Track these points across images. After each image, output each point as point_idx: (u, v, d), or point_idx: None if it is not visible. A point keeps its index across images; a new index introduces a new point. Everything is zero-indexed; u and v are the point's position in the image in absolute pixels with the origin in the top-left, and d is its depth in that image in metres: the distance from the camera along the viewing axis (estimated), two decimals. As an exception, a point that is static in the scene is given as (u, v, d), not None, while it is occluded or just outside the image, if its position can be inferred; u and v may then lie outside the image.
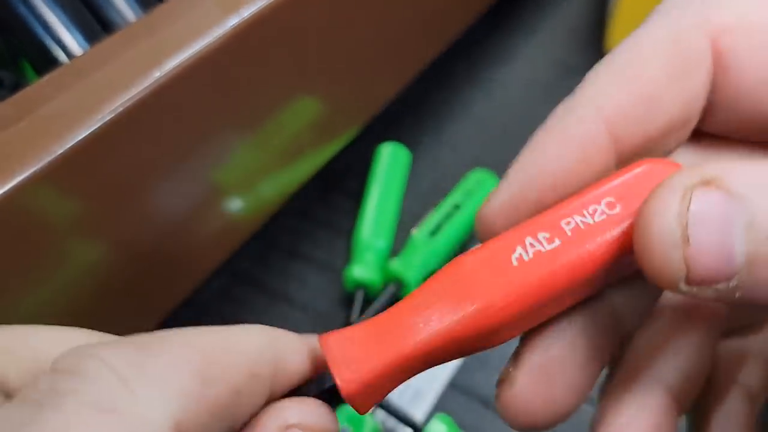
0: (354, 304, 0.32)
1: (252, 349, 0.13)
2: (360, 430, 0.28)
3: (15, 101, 0.20)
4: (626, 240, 0.13)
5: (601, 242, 0.13)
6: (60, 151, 0.19)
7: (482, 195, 0.36)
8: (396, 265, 0.32)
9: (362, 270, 0.32)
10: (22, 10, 0.24)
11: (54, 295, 0.21)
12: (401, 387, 0.31)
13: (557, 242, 0.14)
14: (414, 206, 0.38)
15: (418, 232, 0.34)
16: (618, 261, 0.14)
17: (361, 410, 0.14)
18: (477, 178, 0.37)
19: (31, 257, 0.20)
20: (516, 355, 0.15)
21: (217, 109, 0.24)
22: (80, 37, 0.25)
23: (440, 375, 0.31)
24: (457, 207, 0.35)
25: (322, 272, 0.36)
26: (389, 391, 0.14)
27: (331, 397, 0.14)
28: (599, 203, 0.14)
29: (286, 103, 0.28)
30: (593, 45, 0.49)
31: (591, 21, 0.52)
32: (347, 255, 0.36)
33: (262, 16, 0.23)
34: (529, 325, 0.15)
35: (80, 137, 0.19)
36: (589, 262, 0.13)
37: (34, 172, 0.18)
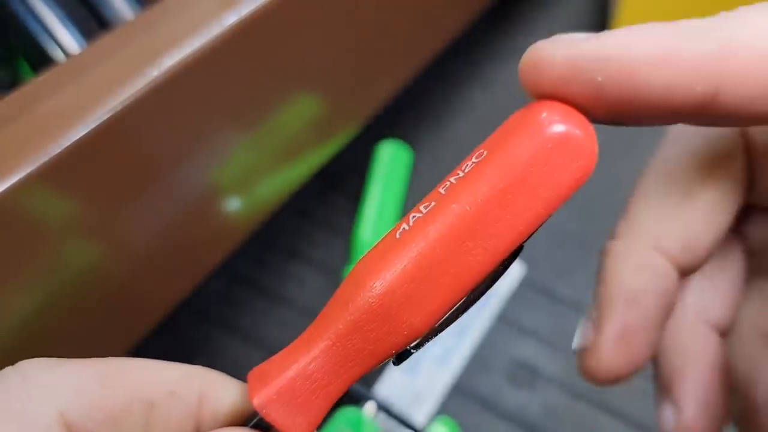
0: None
1: (176, 372, 0.14)
2: None
3: (11, 100, 0.20)
4: (498, 176, 0.13)
5: (470, 188, 0.13)
6: (56, 151, 0.19)
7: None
8: None
9: None
10: (19, 7, 0.24)
11: (50, 296, 0.21)
12: (403, 389, 0.31)
13: (432, 204, 0.13)
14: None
15: None
16: (500, 201, 0.13)
17: (292, 430, 0.14)
18: None
19: (27, 258, 0.20)
20: (597, 323, 0.15)
21: (215, 108, 0.24)
22: (77, 35, 0.25)
23: (441, 378, 0.31)
24: None
25: (321, 273, 0.36)
26: (320, 410, 0.14)
27: (266, 425, 0.14)
28: (470, 158, 0.14)
29: (284, 102, 0.27)
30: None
31: (593, 20, 0.52)
32: (346, 255, 0.36)
33: (261, 13, 0.23)
34: (440, 298, 0.13)
35: (77, 136, 0.19)
36: (464, 210, 0.13)
37: (31, 171, 0.18)
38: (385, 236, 0.14)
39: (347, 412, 0.29)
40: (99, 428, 0.13)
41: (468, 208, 0.13)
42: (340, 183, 0.40)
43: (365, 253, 0.14)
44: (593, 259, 0.38)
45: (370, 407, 0.30)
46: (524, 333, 0.33)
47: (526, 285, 0.35)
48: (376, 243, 0.14)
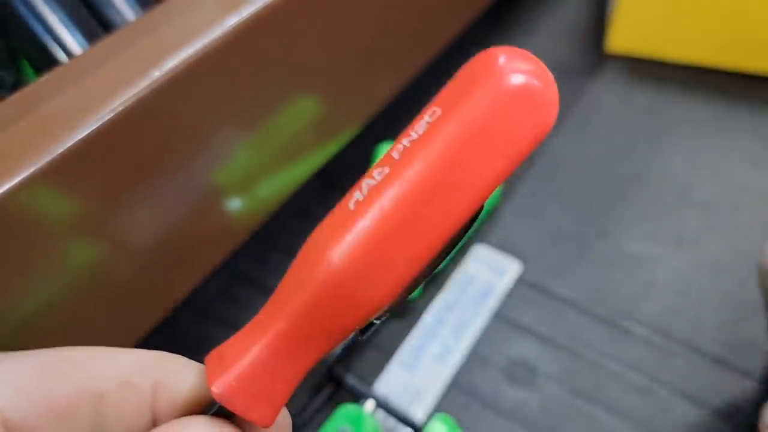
0: None
1: (128, 360, 0.13)
2: (360, 430, 0.28)
3: (14, 101, 0.20)
4: (454, 135, 0.12)
5: (425, 151, 0.12)
6: (59, 151, 0.19)
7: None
8: None
9: None
10: (22, 9, 0.24)
11: (52, 295, 0.21)
12: (402, 387, 0.31)
13: (386, 170, 0.12)
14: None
15: None
16: (459, 161, 0.12)
17: (254, 416, 0.13)
18: None
19: (29, 256, 0.20)
20: None
21: (217, 109, 0.24)
22: (80, 37, 0.25)
23: (441, 375, 0.32)
24: None
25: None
26: (282, 394, 0.13)
27: (227, 412, 0.13)
28: (423, 117, 0.13)
29: (285, 102, 0.28)
30: (592, 44, 0.49)
31: (590, 21, 0.52)
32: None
33: (262, 15, 0.24)
34: (399, 271, 0.13)
35: (79, 137, 0.19)
36: (421, 174, 0.12)
37: (34, 171, 0.18)
38: (337, 206, 0.13)
39: (347, 410, 0.29)
40: (43, 424, 0.12)
41: (424, 173, 0.12)
42: (341, 183, 0.40)
43: (318, 225, 0.13)
44: (590, 258, 0.39)
45: (369, 405, 0.30)
46: (522, 331, 0.33)
47: (523, 283, 0.35)
48: (327, 213, 0.13)
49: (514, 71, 0.12)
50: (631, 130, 0.43)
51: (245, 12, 0.23)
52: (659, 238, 0.37)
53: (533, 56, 0.13)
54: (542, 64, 0.13)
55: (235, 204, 0.28)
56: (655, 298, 0.34)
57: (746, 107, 0.44)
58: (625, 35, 0.47)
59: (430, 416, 0.30)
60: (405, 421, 0.29)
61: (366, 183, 0.13)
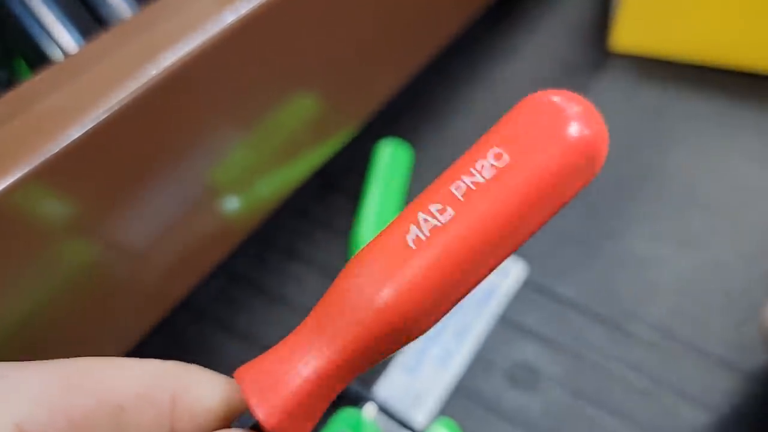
0: None
1: (147, 371, 0.13)
2: None
3: (9, 99, 0.20)
4: (527, 190, 0.13)
5: (497, 199, 0.13)
6: (54, 150, 0.19)
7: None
8: None
9: None
10: (17, 6, 0.24)
11: (46, 296, 0.21)
12: (403, 390, 0.31)
13: (451, 212, 0.13)
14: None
15: None
16: (525, 213, 0.13)
17: None
18: None
19: (24, 257, 0.20)
20: None
21: (214, 107, 0.24)
22: (75, 34, 0.25)
23: (442, 379, 0.31)
24: None
25: (320, 273, 0.35)
26: (320, 412, 0.14)
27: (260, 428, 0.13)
28: (485, 157, 0.13)
29: (283, 101, 0.27)
30: (596, 43, 0.49)
31: (594, 18, 0.51)
32: (346, 255, 0.36)
33: (259, 11, 0.23)
34: (450, 304, 0.13)
35: (75, 136, 0.19)
36: (491, 224, 0.13)
37: (28, 171, 0.18)
38: (389, 239, 0.13)
39: (347, 414, 0.29)
40: None
41: (494, 222, 0.13)
42: (340, 183, 0.40)
43: (366, 255, 0.13)
44: (594, 260, 0.39)
45: (370, 408, 0.30)
46: (525, 333, 0.33)
47: (527, 286, 0.35)
48: (376, 242, 0.13)
49: (582, 127, 0.13)
50: (635, 130, 0.43)
51: (242, 8, 0.23)
52: (664, 239, 0.36)
53: (592, 106, 0.13)
54: (599, 115, 0.13)
55: (232, 203, 0.28)
56: (659, 300, 0.34)
57: (751, 106, 0.44)
58: (629, 33, 0.47)
59: (432, 420, 0.29)
60: (406, 425, 0.29)
61: (426, 220, 0.13)
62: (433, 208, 0.13)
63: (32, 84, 0.20)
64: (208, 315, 0.34)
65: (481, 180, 0.13)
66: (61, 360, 0.13)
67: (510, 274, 0.35)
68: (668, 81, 0.46)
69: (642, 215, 0.38)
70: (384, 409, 0.30)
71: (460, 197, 0.13)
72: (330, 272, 0.35)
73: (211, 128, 0.24)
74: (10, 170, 0.18)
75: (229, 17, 0.22)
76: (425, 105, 0.44)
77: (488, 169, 0.13)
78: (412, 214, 0.13)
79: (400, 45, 0.35)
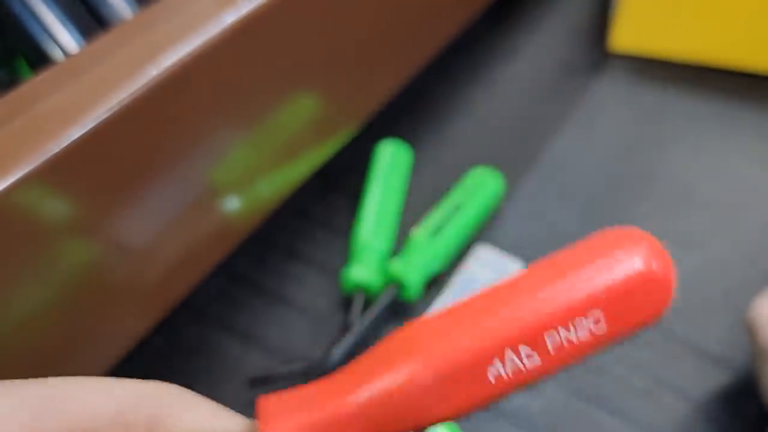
0: (353, 307, 0.32)
1: (124, 394, 0.13)
2: None
3: (9, 99, 0.20)
4: (604, 348, 0.14)
5: (576, 359, 0.14)
6: (55, 150, 0.19)
7: (483, 193, 0.36)
8: (396, 266, 0.32)
9: (360, 271, 0.32)
10: (18, 6, 0.24)
11: (47, 296, 0.21)
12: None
13: (537, 360, 0.14)
14: (416, 205, 0.38)
15: (419, 232, 0.33)
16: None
17: None
18: (478, 175, 0.37)
19: (25, 256, 0.20)
20: None
21: (214, 107, 0.24)
22: (76, 34, 0.25)
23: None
24: (458, 206, 0.35)
25: (320, 273, 0.35)
26: None
27: None
28: (585, 315, 0.14)
29: (284, 101, 0.27)
30: (596, 43, 0.49)
31: (593, 19, 0.52)
32: (346, 255, 0.36)
33: (260, 11, 0.23)
34: None
35: (76, 136, 0.19)
36: (556, 371, 0.14)
37: (29, 170, 0.18)
38: (470, 361, 0.13)
39: None
40: None
41: (567, 367, 0.14)
42: (340, 183, 0.40)
43: (440, 363, 0.13)
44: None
45: None
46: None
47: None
48: (453, 353, 0.14)
49: (669, 299, 0.14)
50: (634, 130, 0.43)
51: (243, 8, 0.23)
52: (663, 239, 0.36)
53: (667, 255, 0.14)
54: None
55: (233, 203, 0.28)
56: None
57: (751, 107, 0.44)
58: (628, 34, 0.47)
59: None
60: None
61: (512, 361, 0.13)
62: (523, 351, 0.13)
63: (33, 84, 0.20)
64: (208, 315, 0.34)
65: (574, 339, 0.14)
66: (34, 381, 0.13)
67: (509, 273, 0.35)
68: (668, 81, 0.46)
69: (641, 215, 0.38)
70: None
71: (550, 350, 0.14)
72: (330, 272, 0.35)
73: (211, 128, 0.24)
74: (11, 169, 0.18)
75: (229, 18, 0.23)
76: (425, 105, 0.44)
77: (584, 331, 0.14)
78: (499, 346, 0.13)
79: (401, 46, 0.35)
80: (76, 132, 0.19)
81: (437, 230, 0.33)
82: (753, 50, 0.45)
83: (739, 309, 0.33)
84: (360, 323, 0.30)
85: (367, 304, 0.33)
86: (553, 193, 0.39)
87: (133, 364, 0.32)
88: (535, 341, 0.13)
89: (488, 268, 0.35)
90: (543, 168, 0.41)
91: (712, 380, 0.31)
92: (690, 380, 0.31)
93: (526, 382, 0.14)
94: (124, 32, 0.22)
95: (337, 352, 0.29)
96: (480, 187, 0.36)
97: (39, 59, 0.24)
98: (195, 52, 0.22)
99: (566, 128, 0.43)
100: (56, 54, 0.24)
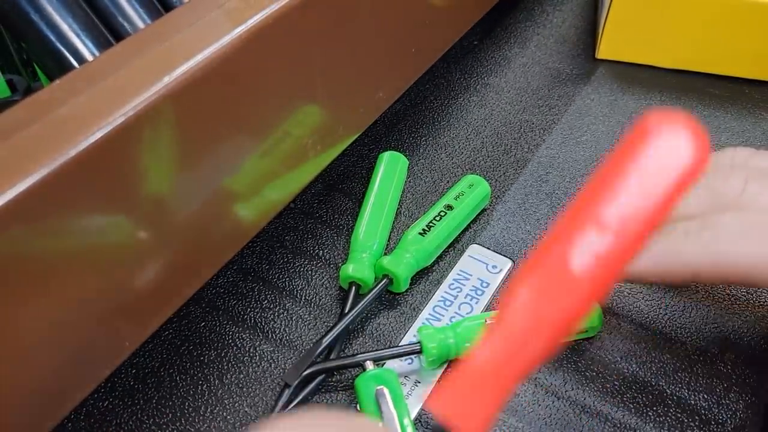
0: (347, 297, 0.32)
1: None
2: (393, 383, 0.28)
3: (27, 104, 0.19)
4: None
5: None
6: (72, 153, 0.18)
7: (472, 198, 0.36)
8: (386, 261, 0.33)
9: (354, 268, 0.33)
10: (35, 17, 0.23)
11: (63, 292, 0.21)
12: (401, 381, 0.30)
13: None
14: (411, 207, 0.38)
15: (410, 232, 0.34)
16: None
17: None
18: (468, 182, 0.37)
19: (48, 257, 0.20)
20: None
21: (225, 114, 0.24)
22: (91, 45, 0.24)
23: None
24: (447, 208, 0.36)
25: (324, 269, 0.35)
26: (494, 404, 0.14)
27: None
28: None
29: (290, 109, 0.27)
30: (584, 53, 0.49)
31: (581, 31, 0.51)
32: (348, 253, 0.36)
33: (267, 25, 0.23)
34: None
35: (92, 140, 0.19)
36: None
37: (48, 172, 0.18)
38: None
39: (367, 376, 0.28)
40: None
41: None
42: (342, 185, 0.39)
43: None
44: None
45: (369, 364, 0.29)
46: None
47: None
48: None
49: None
50: (621, 134, 0.43)
51: (251, 22, 0.23)
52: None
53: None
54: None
55: (243, 205, 0.27)
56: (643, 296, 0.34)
57: (732, 110, 0.44)
58: (614, 43, 0.47)
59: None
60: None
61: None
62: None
63: (50, 90, 0.20)
64: (220, 306, 0.34)
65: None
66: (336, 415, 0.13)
67: (503, 270, 0.35)
68: (653, 88, 0.46)
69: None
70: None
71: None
72: (333, 267, 0.35)
73: (221, 134, 0.24)
74: (30, 171, 0.18)
75: (238, 30, 0.22)
76: (422, 113, 0.44)
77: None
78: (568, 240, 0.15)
79: (400, 58, 0.35)
80: (93, 136, 0.19)
81: (427, 230, 0.34)
82: (731, 58, 0.45)
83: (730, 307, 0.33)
84: (353, 311, 0.31)
85: (361, 296, 0.33)
86: (542, 196, 0.39)
87: (146, 355, 0.31)
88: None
89: (480, 264, 0.35)
90: (532, 171, 0.40)
91: (712, 380, 0.31)
92: (690, 381, 0.31)
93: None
94: (138, 43, 0.22)
95: (330, 336, 0.30)
96: (468, 192, 0.37)
97: (55, 67, 0.24)
98: (207, 61, 0.21)
99: (555, 133, 0.43)
100: (72, 64, 0.24)
